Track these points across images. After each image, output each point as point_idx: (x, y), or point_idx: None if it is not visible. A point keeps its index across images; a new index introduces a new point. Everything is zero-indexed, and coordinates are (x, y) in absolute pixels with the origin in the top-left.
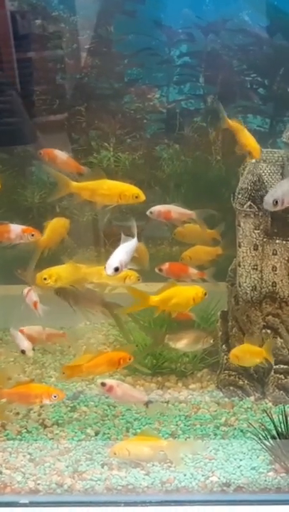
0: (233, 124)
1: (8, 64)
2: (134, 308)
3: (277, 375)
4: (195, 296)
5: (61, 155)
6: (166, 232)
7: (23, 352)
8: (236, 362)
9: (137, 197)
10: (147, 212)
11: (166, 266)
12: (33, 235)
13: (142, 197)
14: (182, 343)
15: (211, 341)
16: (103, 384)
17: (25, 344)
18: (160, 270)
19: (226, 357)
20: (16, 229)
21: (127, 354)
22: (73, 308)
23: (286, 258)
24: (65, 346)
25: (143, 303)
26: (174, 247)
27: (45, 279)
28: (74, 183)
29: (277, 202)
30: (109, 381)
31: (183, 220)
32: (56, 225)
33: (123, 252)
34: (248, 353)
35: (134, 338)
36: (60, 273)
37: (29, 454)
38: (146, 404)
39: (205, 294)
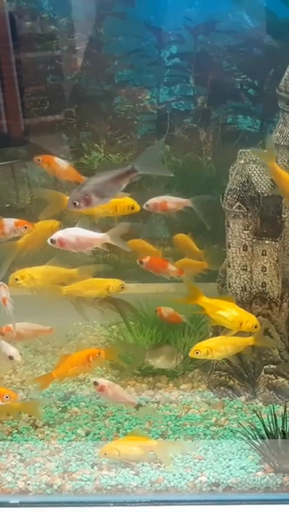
0: (282, 173)
1: None
2: (182, 301)
3: (268, 375)
4: (245, 323)
5: (62, 163)
6: (159, 233)
7: (10, 358)
8: (205, 355)
9: (132, 208)
10: (144, 206)
11: (146, 259)
12: (26, 227)
13: (137, 207)
14: (159, 360)
15: (181, 357)
16: (95, 383)
17: (12, 350)
18: (141, 263)
19: None
20: (8, 222)
21: (96, 350)
22: (75, 305)
23: (275, 258)
24: (56, 347)
25: (193, 299)
26: (166, 247)
27: (16, 279)
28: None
29: (75, 204)
30: (101, 381)
31: (180, 210)
32: (39, 228)
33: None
34: (224, 345)
35: (125, 339)
36: (33, 274)
37: (19, 454)
38: (137, 407)
39: (256, 327)
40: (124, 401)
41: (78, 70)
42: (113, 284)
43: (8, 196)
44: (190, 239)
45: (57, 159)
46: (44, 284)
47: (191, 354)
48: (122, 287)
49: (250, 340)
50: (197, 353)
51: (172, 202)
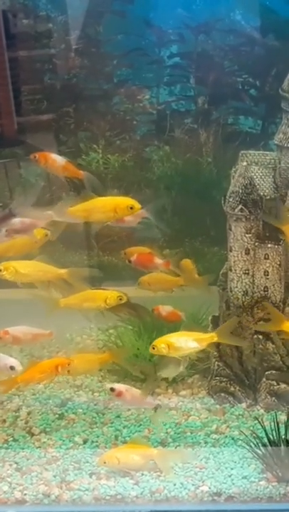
0: None
1: None
2: (267, 327)
3: (270, 381)
4: None
5: (59, 159)
6: (157, 234)
7: (11, 368)
8: (165, 352)
9: (131, 208)
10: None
11: (134, 257)
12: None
13: (137, 207)
14: (168, 370)
15: (188, 359)
16: (112, 389)
17: (12, 360)
18: (129, 262)
19: (217, 363)
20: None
21: (66, 360)
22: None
23: (278, 262)
24: (53, 352)
25: (276, 324)
26: (165, 250)
27: (0, 270)
28: (69, 209)
29: None
30: (118, 386)
31: (139, 222)
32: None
33: None
34: (188, 340)
35: (123, 343)
36: (18, 268)
37: (16, 463)
38: (155, 408)
39: None
40: (144, 404)
41: (76, 68)
42: (110, 295)
43: (1, 196)
44: (193, 265)
45: (53, 155)
46: (29, 279)
47: (150, 350)
48: (120, 299)
49: (214, 336)
50: (153, 348)
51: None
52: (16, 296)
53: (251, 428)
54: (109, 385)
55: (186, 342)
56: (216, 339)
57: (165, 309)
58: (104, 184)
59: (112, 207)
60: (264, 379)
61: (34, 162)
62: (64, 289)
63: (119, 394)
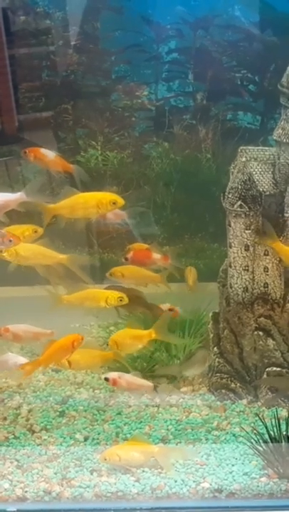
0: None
1: None
2: None
3: (270, 378)
4: None
5: (49, 154)
6: (157, 231)
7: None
8: (115, 348)
9: (114, 203)
10: None
11: (130, 255)
12: (10, 241)
13: (120, 202)
14: (193, 369)
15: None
16: (106, 379)
17: (22, 359)
18: (126, 259)
19: (217, 359)
20: None
21: (78, 335)
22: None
23: (278, 259)
24: None
25: None
26: (165, 246)
27: (0, 251)
28: (51, 206)
29: None
30: (111, 374)
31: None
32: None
33: None
34: (128, 338)
35: None
36: (19, 250)
37: (16, 460)
38: (155, 388)
39: None
40: (141, 387)
41: (74, 65)
42: (111, 295)
43: None
44: (196, 274)
45: (43, 150)
46: (29, 262)
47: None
48: (121, 300)
49: (152, 332)
50: (107, 345)
51: (111, 213)
52: (17, 294)
53: (252, 424)
54: (103, 376)
55: (126, 339)
56: (154, 336)
57: (164, 306)
58: (103, 181)
59: (94, 203)
60: (265, 375)
61: (25, 158)
62: (68, 286)
63: (114, 382)
